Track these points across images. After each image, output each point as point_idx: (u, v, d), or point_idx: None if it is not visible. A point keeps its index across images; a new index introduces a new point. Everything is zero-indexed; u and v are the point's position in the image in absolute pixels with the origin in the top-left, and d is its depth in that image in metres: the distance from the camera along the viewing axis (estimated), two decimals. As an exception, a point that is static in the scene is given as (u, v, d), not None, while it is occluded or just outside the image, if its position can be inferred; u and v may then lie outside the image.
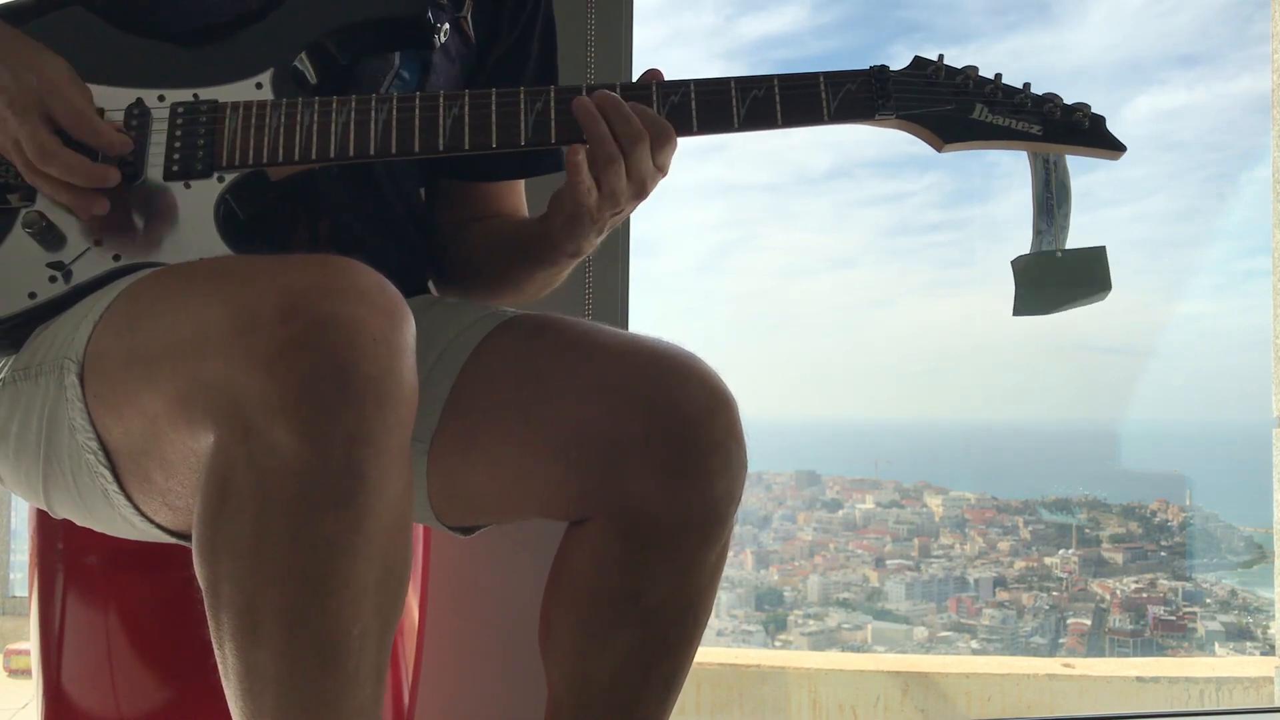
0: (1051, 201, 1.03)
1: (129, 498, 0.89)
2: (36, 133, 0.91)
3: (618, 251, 1.66)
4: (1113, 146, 1.02)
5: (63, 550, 1.18)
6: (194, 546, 0.78)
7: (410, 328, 0.79)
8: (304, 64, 1.02)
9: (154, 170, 0.97)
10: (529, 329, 1.06)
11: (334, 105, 0.98)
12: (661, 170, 1.01)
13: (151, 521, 0.91)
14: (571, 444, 0.96)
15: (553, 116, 0.99)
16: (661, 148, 0.98)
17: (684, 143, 1.01)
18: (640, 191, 1.00)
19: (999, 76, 1.02)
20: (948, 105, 1.01)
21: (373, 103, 0.99)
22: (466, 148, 0.99)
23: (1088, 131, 1.01)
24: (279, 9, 1.03)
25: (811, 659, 3.54)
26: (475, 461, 1.01)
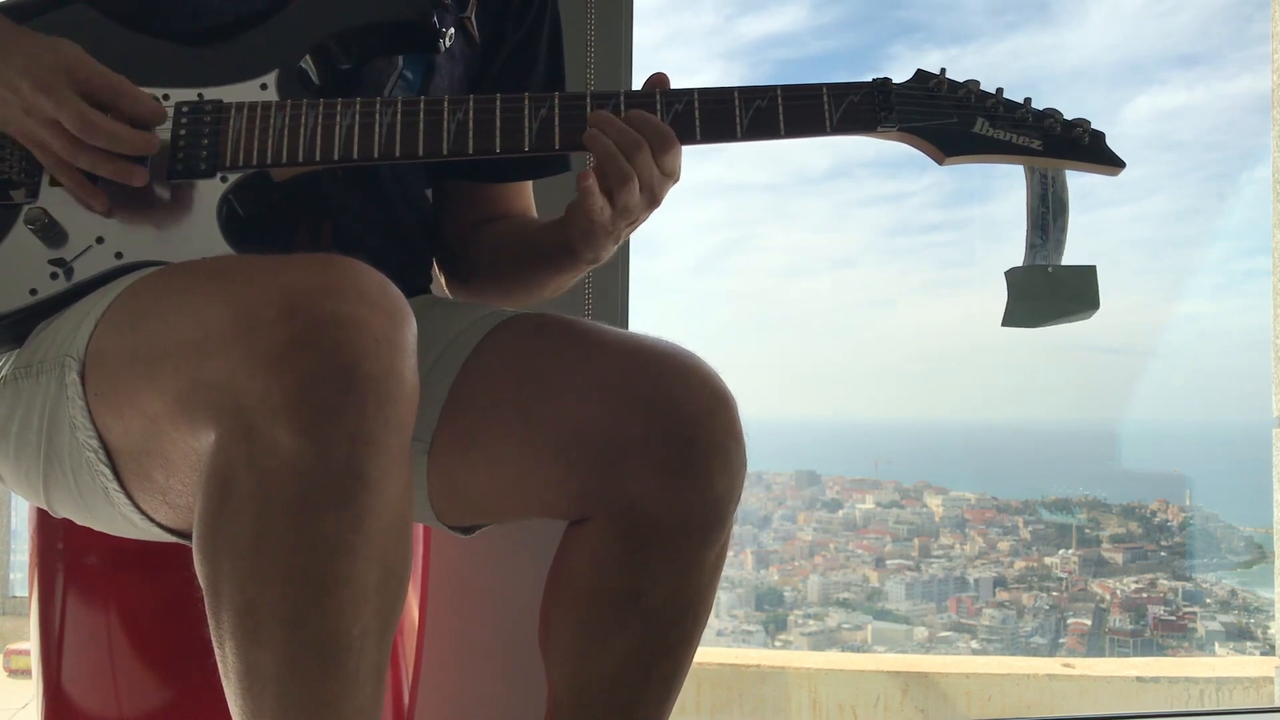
0: (1047, 216, 1.04)
1: (129, 496, 0.89)
2: (79, 107, 0.91)
3: (618, 251, 1.66)
4: (1112, 163, 1.03)
5: (63, 550, 1.18)
6: (194, 545, 0.78)
7: (412, 328, 0.79)
8: (309, 65, 1.02)
9: (158, 169, 0.97)
10: (529, 329, 1.06)
11: (338, 107, 0.99)
12: (671, 176, 1.01)
13: (152, 520, 0.91)
14: (571, 443, 0.97)
15: (557, 122, 1.00)
16: (664, 153, 0.99)
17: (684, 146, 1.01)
18: (652, 200, 1.01)
19: (1000, 91, 1.03)
20: (949, 119, 1.02)
21: (377, 106, 0.99)
22: (470, 152, 0.99)
23: (1087, 147, 1.02)
24: (284, 10, 1.03)
25: (811, 659, 3.54)
26: (475, 461, 1.01)
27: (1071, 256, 1.05)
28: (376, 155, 0.98)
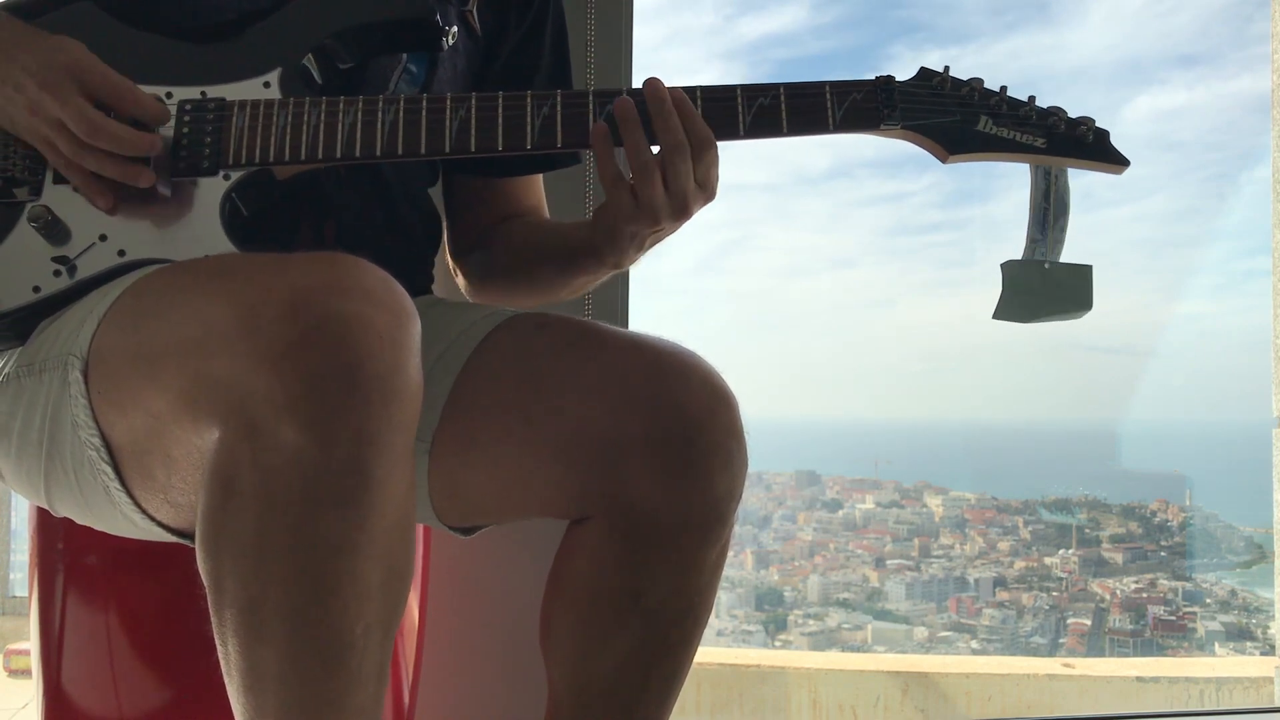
0: (1048, 213, 1.03)
1: (131, 495, 0.89)
2: (83, 108, 0.92)
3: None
4: (1116, 161, 1.02)
5: (63, 550, 1.18)
6: (197, 543, 0.78)
7: (416, 326, 0.79)
8: (311, 63, 1.02)
9: (160, 167, 0.97)
10: (529, 328, 1.06)
11: (341, 105, 0.99)
12: (704, 188, 0.99)
13: (153, 519, 0.91)
14: (572, 443, 0.97)
15: (559, 120, 1.00)
16: (701, 158, 0.97)
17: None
18: (683, 210, 0.99)
19: (1004, 89, 1.03)
20: (953, 117, 1.01)
21: (379, 104, 0.99)
22: (473, 150, 0.99)
23: (1091, 145, 1.02)
24: (287, 8, 1.03)
25: (811, 659, 3.54)
26: (476, 461, 1.01)
27: (1070, 256, 1.05)
28: (379, 153, 0.98)
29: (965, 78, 1.03)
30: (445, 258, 1.29)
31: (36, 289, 0.96)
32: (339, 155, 0.98)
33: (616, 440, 0.95)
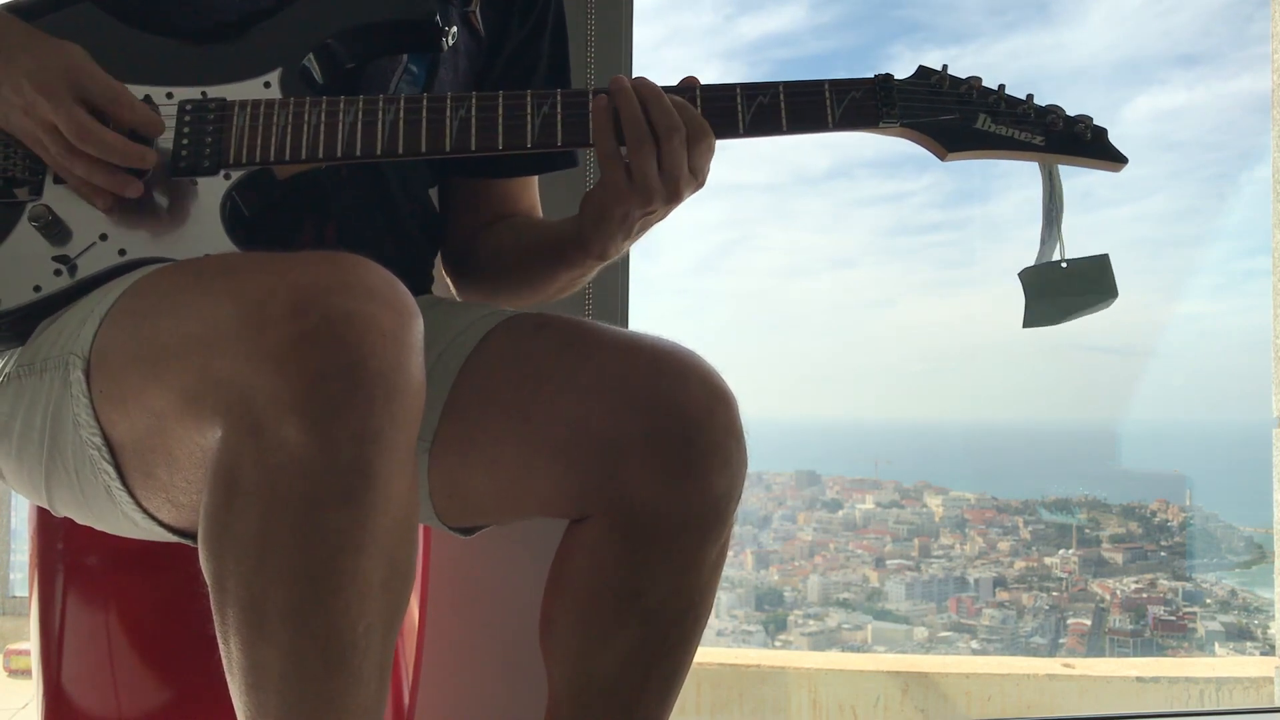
0: (1055, 213, 1.04)
1: (132, 494, 0.89)
2: (74, 113, 0.92)
3: (618, 252, 1.66)
4: (1114, 158, 1.03)
5: (63, 550, 1.18)
6: (200, 541, 0.78)
7: (419, 325, 0.79)
8: (312, 64, 1.02)
9: (161, 167, 0.97)
10: (528, 328, 1.06)
11: (341, 105, 0.99)
12: (696, 175, 1.00)
13: (154, 519, 0.91)
14: (571, 442, 0.97)
15: (559, 118, 1.00)
16: (697, 144, 0.99)
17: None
18: (674, 193, 1.00)
19: (1003, 87, 1.04)
20: (951, 115, 1.02)
21: (380, 103, 0.99)
22: (473, 149, 0.99)
23: (1090, 143, 1.03)
24: (289, 8, 1.04)
25: (811, 659, 3.54)
26: (475, 460, 1.01)
27: (1078, 250, 1.05)
28: (379, 152, 0.99)
29: (963, 76, 1.04)
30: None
31: (37, 288, 0.96)
32: (339, 155, 0.98)
33: (616, 440, 0.95)
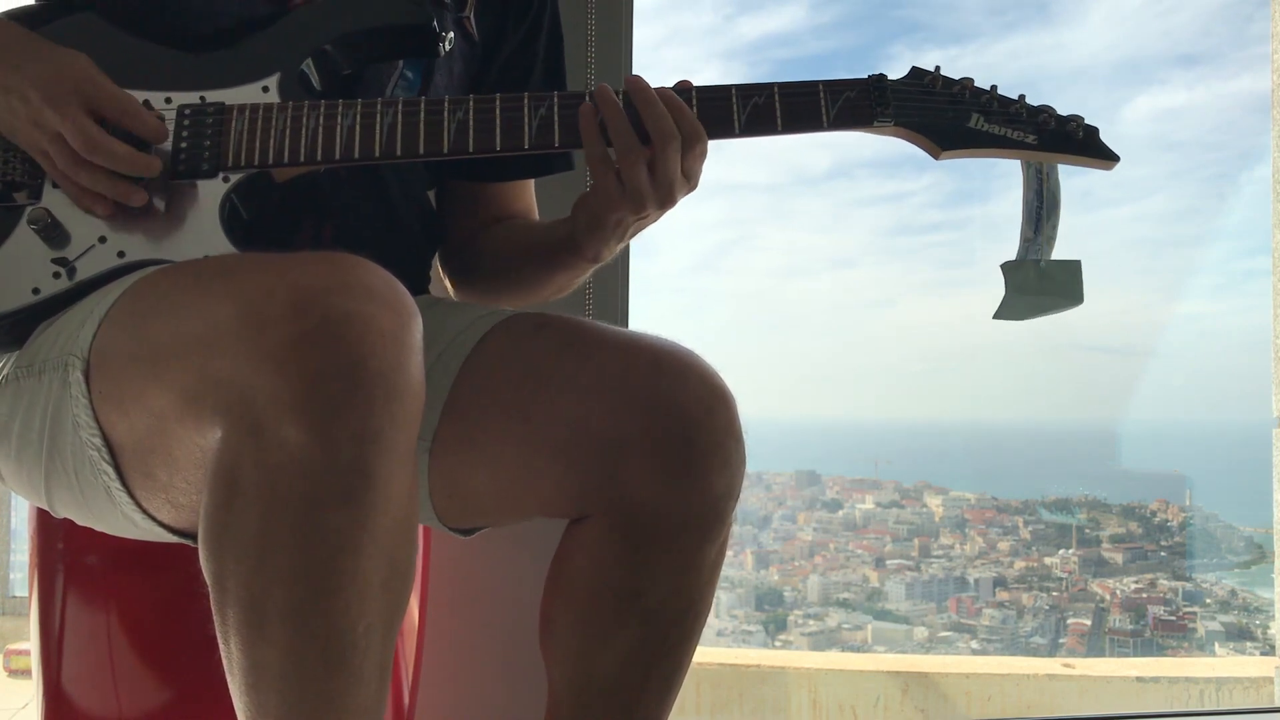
0: (1040, 211, 1.05)
1: (132, 495, 0.89)
2: (81, 122, 0.92)
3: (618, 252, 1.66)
4: (1106, 157, 1.04)
5: (63, 550, 1.18)
6: (200, 542, 0.78)
7: (418, 326, 0.79)
8: (310, 69, 1.03)
9: (160, 170, 0.97)
10: (528, 328, 1.06)
11: (339, 108, 0.99)
12: (689, 179, 1.01)
13: (154, 519, 0.91)
14: (571, 442, 0.97)
15: (556, 120, 1.00)
16: (691, 149, 0.99)
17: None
18: (667, 198, 1.00)
19: (994, 87, 1.05)
20: (945, 114, 1.03)
21: (378, 106, 0.99)
22: (471, 151, 1.00)
23: (1081, 142, 1.04)
24: (286, 15, 1.04)
25: (811, 659, 3.54)
26: (475, 460, 1.01)
27: (1066, 253, 1.07)
28: (377, 155, 0.99)
29: (958, 77, 1.05)
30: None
31: (36, 290, 0.96)
32: (338, 157, 0.99)
33: (615, 439, 0.95)
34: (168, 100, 1.00)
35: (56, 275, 0.96)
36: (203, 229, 0.97)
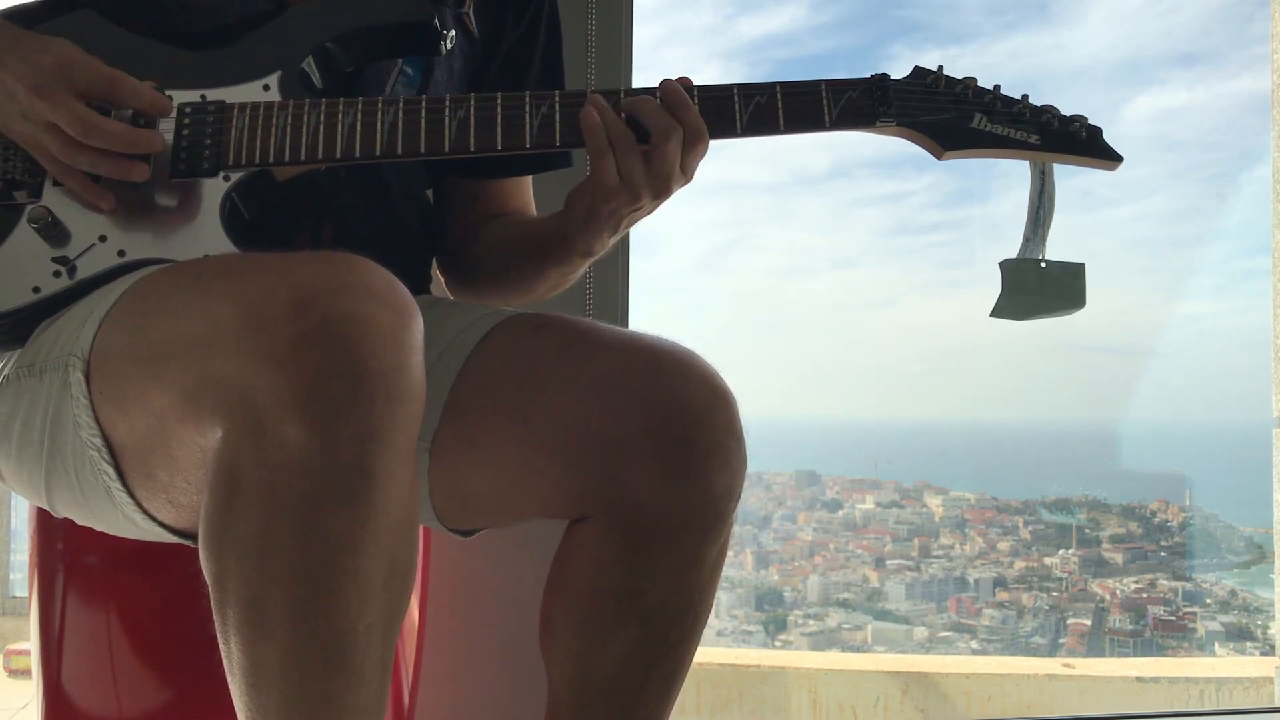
0: (1042, 211, 1.05)
1: (132, 495, 0.89)
2: (74, 108, 0.91)
3: (618, 251, 1.66)
4: (1109, 157, 1.04)
5: (63, 550, 1.18)
6: (201, 541, 0.78)
7: (419, 325, 0.79)
8: (311, 67, 1.03)
9: (160, 168, 0.97)
10: (528, 328, 1.06)
11: (340, 107, 0.99)
12: (686, 174, 1.01)
13: (154, 519, 0.91)
14: (571, 442, 0.97)
15: (557, 119, 1.00)
16: (693, 147, 0.99)
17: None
18: (662, 191, 1.00)
19: (998, 87, 1.05)
20: (947, 114, 1.03)
21: (379, 105, 0.99)
22: (472, 149, 1.00)
23: (1085, 142, 1.03)
24: (287, 13, 1.04)
25: (811, 659, 3.54)
26: (475, 461, 1.01)
27: (1066, 255, 1.06)
28: (378, 153, 0.99)
29: (960, 77, 1.04)
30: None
31: (36, 289, 0.96)
32: (339, 156, 0.99)
33: (616, 439, 0.95)
34: (168, 98, 1.00)
35: (57, 274, 0.96)
36: (203, 228, 0.97)
